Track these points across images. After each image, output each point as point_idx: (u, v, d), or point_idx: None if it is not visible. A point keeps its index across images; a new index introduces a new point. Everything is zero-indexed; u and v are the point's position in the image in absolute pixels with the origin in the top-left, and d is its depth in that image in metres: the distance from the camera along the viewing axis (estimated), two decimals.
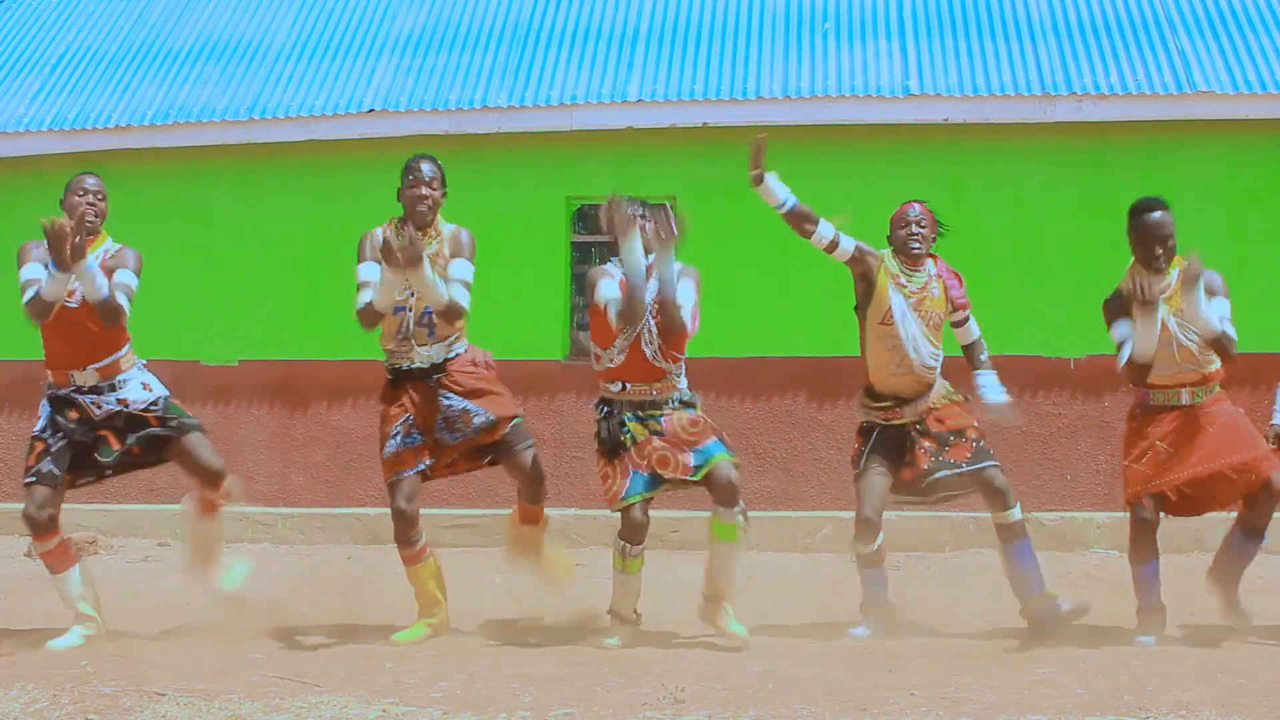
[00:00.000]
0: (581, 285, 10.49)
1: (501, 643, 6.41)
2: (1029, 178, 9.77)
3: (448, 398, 6.43)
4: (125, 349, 6.40)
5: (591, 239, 10.49)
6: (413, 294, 6.33)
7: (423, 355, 6.45)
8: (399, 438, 6.43)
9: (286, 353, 10.25)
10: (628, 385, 6.40)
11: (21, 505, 6.49)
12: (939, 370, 6.60)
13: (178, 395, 9.92)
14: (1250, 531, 6.64)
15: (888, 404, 6.60)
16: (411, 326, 6.41)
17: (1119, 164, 9.70)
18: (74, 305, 6.19)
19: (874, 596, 6.71)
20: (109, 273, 6.24)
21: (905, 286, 6.56)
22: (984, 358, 6.72)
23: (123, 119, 10.29)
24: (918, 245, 6.58)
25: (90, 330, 6.26)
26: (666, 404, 6.38)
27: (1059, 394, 9.62)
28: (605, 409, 6.47)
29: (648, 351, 6.33)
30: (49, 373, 6.38)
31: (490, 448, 6.59)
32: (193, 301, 10.13)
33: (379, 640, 6.46)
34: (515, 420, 6.62)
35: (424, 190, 6.38)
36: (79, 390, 6.29)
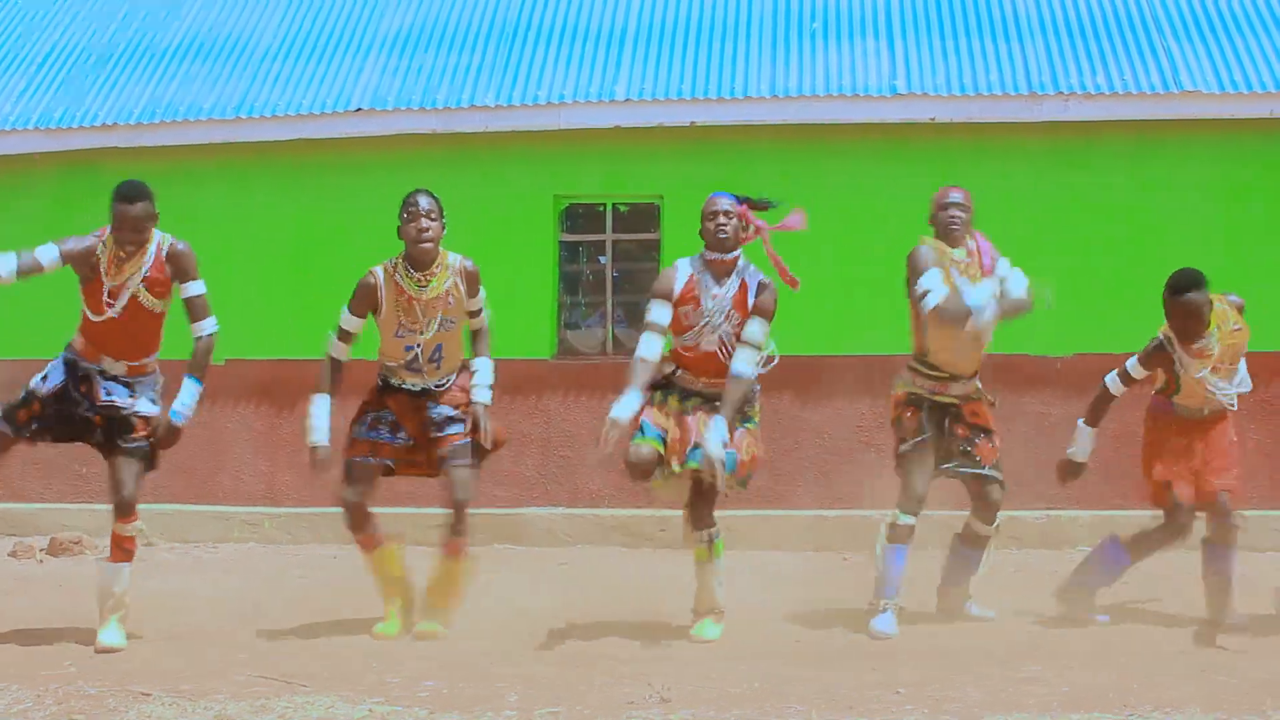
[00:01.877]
0: (570, 284, 10.49)
1: (487, 641, 6.39)
2: (1016, 177, 9.78)
3: (435, 407, 6.48)
4: (155, 355, 6.45)
5: (579, 238, 10.49)
6: (421, 342, 6.40)
7: (423, 382, 6.52)
8: (365, 426, 6.51)
9: (274, 352, 10.23)
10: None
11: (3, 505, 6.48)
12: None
13: (164, 395, 9.99)
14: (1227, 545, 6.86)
15: (944, 376, 6.68)
16: (422, 363, 6.48)
17: (1105, 163, 9.71)
18: (114, 315, 6.21)
19: (892, 576, 6.70)
20: (168, 283, 6.31)
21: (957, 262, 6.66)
22: None
23: (109, 117, 10.26)
24: (957, 227, 6.71)
25: (129, 333, 6.29)
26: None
27: (1045, 393, 9.62)
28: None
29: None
30: (80, 340, 6.33)
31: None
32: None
33: (365, 640, 6.45)
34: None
35: (424, 223, 6.32)
36: (103, 374, 6.27)
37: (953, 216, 6.70)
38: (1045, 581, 8.06)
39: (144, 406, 6.31)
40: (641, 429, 6.34)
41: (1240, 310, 6.89)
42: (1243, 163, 9.65)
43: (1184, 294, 6.55)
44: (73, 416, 6.27)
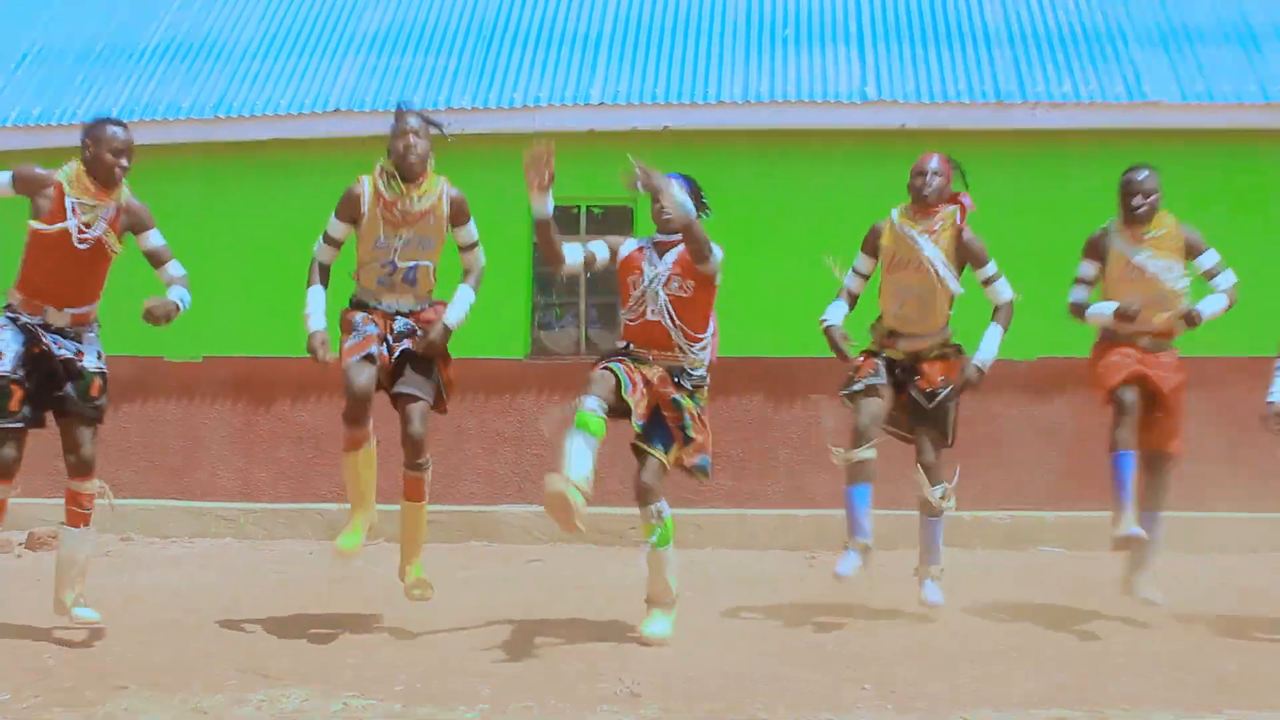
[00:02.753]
0: (544, 286, 10.51)
1: (461, 636, 6.41)
2: (983, 183, 9.74)
3: (400, 320, 6.48)
4: (96, 303, 6.31)
5: None
6: (398, 248, 6.41)
7: (397, 302, 6.51)
8: (354, 331, 6.43)
9: (250, 349, 10.20)
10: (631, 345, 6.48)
11: None
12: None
13: (141, 391, 9.99)
14: (1154, 508, 7.05)
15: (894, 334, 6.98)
16: (397, 278, 6.48)
17: (1071, 171, 9.78)
18: (83, 247, 6.07)
19: (856, 518, 6.85)
20: (126, 230, 6.26)
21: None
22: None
23: (89, 115, 10.17)
24: (928, 192, 6.94)
25: (83, 274, 6.16)
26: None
27: (1008, 395, 9.68)
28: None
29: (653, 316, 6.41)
30: (17, 295, 6.14)
31: (401, 375, 6.45)
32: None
33: (341, 634, 6.46)
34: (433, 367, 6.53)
35: (412, 139, 6.44)
36: (45, 327, 6.09)
37: (923, 183, 6.97)
38: (1010, 582, 8.14)
39: (91, 362, 6.19)
40: (611, 369, 6.34)
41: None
42: (1203, 171, 9.73)
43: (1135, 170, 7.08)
44: (53, 374, 6.06)
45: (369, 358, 6.31)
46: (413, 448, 6.44)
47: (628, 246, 6.65)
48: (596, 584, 8.01)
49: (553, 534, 9.78)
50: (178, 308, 6.24)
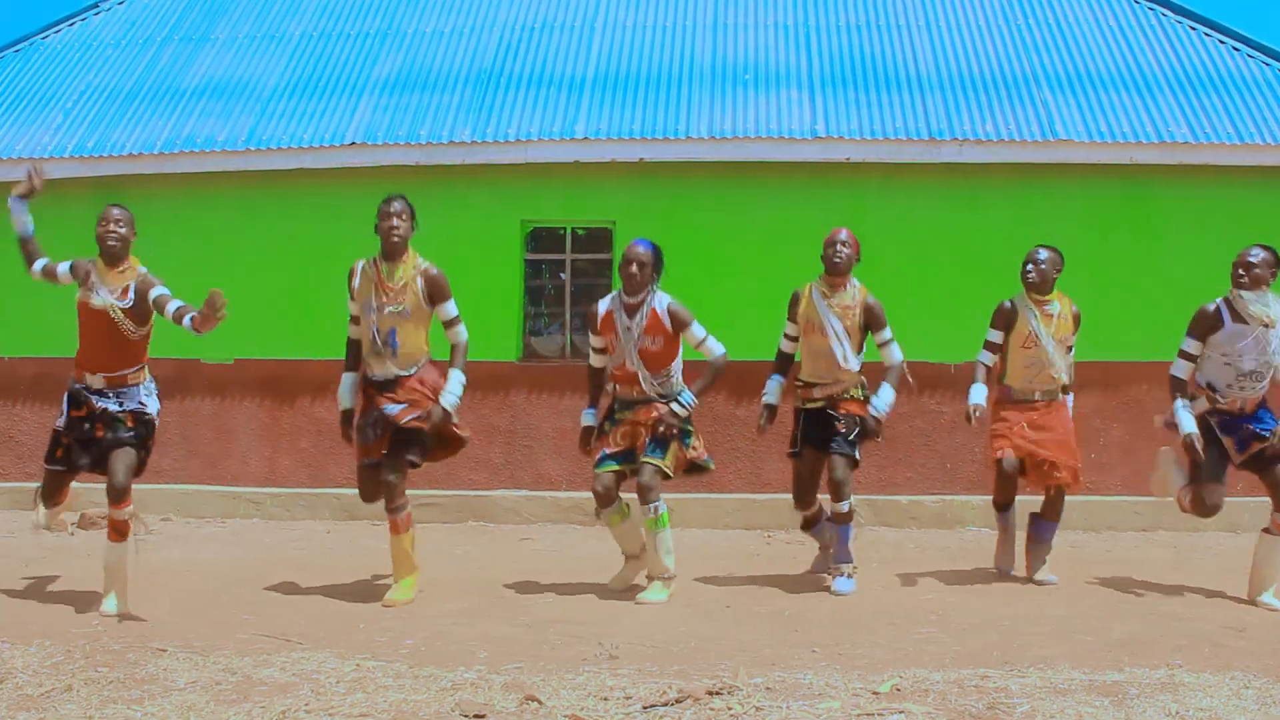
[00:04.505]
0: (534, 297, 10.49)
1: (460, 606, 6.39)
2: (918, 210, 9.85)
3: (387, 407, 6.44)
4: (137, 367, 6.28)
5: (541, 257, 10.48)
6: (376, 315, 6.43)
7: (384, 370, 6.48)
8: (360, 433, 6.55)
9: (277, 353, 10.14)
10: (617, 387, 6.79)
11: (37, 484, 6.44)
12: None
13: (180, 390, 9.93)
14: (1051, 519, 7.27)
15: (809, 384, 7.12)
16: (380, 345, 6.47)
17: (993, 200, 9.79)
18: (115, 321, 6.13)
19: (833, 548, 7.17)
20: (144, 297, 6.15)
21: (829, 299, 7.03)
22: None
23: (135, 148, 10.13)
24: (839, 260, 7.00)
25: (108, 342, 6.17)
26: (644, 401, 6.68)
27: (941, 394, 9.70)
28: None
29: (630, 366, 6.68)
30: (76, 370, 6.29)
31: (393, 448, 6.51)
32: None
33: (355, 604, 6.42)
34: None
35: (395, 223, 6.44)
36: (88, 389, 6.20)
37: (834, 252, 7.00)
38: (939, 557, 8.16)
39: (131, 404, 6.22)
40: (600, 461, 6.67)
41: (1075, 319, 7.24)
42: (1107, 201, 9.77)
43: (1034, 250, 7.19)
44: (88, 440, 6.20)
45: (371, 467, 6.52)
46: (387, 493, 6.49)
47: (602, 308, 6.83)
48: (579, 560, 7.99)
49: (541, 516, 9.77)
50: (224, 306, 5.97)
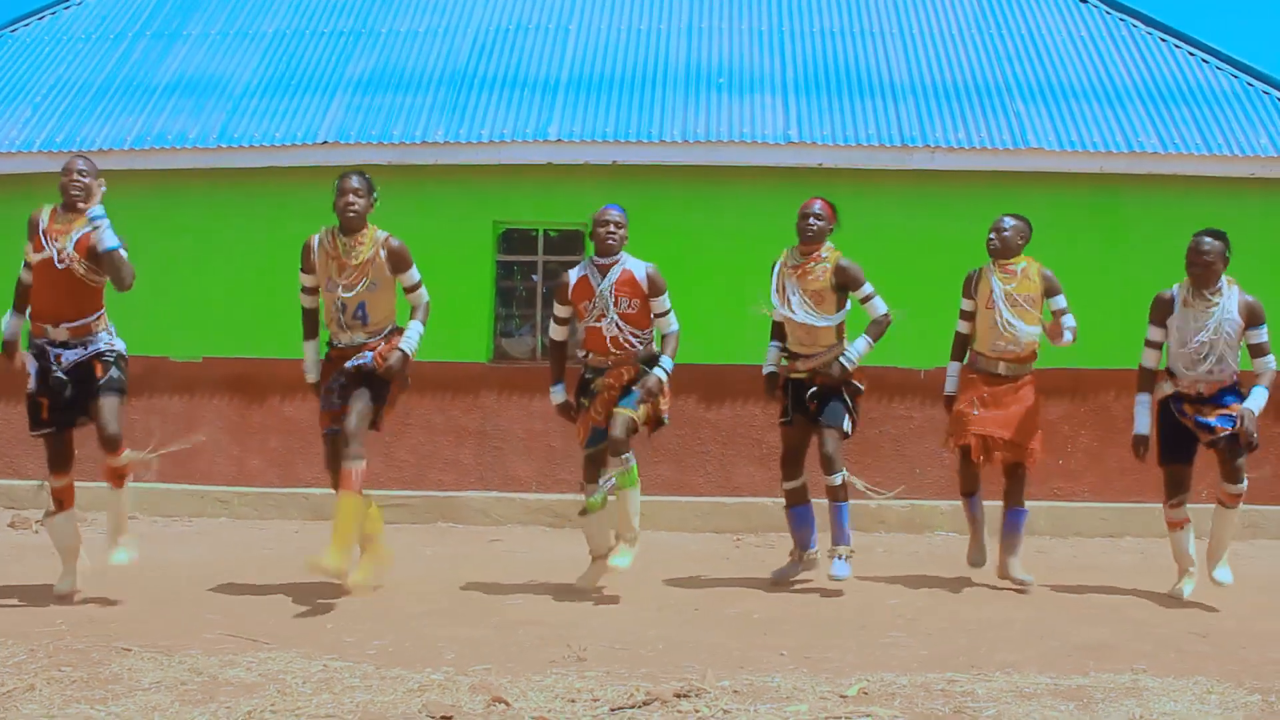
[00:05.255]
0: (505, 298, 10.46)
1: (428, 607, 6.36)
2: (889, 216, 9.89)
3: (351, 361, 6.52)
4: (98, 314, 6.25)
5: (514, 258, 10.46)
6: (347, 292, 6.47)
7: (351, 338, 6.54)
8: (324, 399, 6.64)
9: (245, 351, 10.08)
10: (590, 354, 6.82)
11: (8, 481, 6.37)
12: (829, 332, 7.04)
13: (148, 387, 9.85)
14: (1014, 504, 7.23)
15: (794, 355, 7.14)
16: (347, 318, 6.55)
17: (963, 206, 9.83)
18: (60, 267, 6.05)
19: (795, 534, 7.27)
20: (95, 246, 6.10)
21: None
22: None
23: (105, 143, 10.05)
24: (811, 233, 7.05)
25: (67, 291, 6.12)
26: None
27: (910, 400, 9.74)
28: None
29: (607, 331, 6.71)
30: (31, 323, 6.24)
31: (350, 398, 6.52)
32: (163, 305, 9.92)
33: (323, 604, 6.38)
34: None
35: (351, 198, 6.50)
36: (50, 342, 6.16)
37: (807, 225, 7.07)
38: (908, 562, 8.18)
39: (96, 347, 6.18)
40: (591, 438, 6.72)
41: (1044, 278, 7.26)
42: (1076, 209, 9.84)
43: (1000, 219, 7.29)
44: (64, 392, 6.13)
45: (332, 434, 6.54)
46: (343, 435, 6.45)
47: (573, 276, 6.86)
48: (548, 561, 7.97)
49: (510, 517, 9.75)
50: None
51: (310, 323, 6.78)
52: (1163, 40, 10.96)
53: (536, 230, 10.35)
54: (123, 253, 6.11)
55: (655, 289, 6.72)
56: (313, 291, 6.69)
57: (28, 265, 6.18)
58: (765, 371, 7.29)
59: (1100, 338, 9.59)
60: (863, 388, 7.14)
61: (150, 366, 9.86)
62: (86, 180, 6.19)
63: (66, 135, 10.20)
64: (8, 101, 10.74)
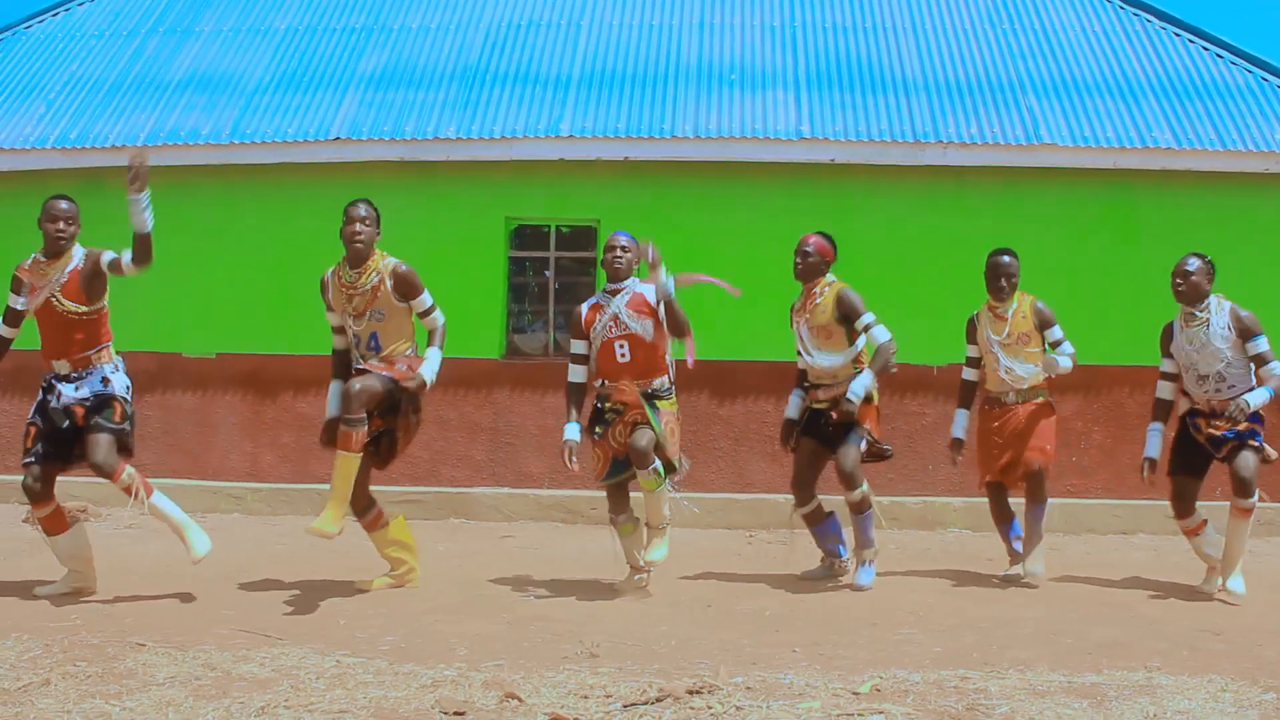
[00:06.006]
0: (518, 294, 10.47)
1: (441, 603, 6.37)
2: (901, 212, 9.87)
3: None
4: (98, 347, 6.32)
5: (525, 254, 10.46)
6: (358, 324, 6.49)
7: (370, 366, 6.53)
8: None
9: (258, 347, 10.10)
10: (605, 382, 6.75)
11: (20, 478, 6.41)
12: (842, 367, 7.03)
13: (161, 384, 9.88)
14: (1036, 500, 7.23)
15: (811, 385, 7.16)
16: (362, 349, 6.55)
17: (976, 202, 9.82)
18: (59, 309, 6.21)
19: (821, 545, 7.35)
20: (87, 281, 6.22)
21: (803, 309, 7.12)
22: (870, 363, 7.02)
23: (118, 139, 10.08)
24: (798, 269, 7.10)
25: (60, 326, 6.24)
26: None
27: (923, 396, 9.73)
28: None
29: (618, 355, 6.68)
30: (43, 361, 6.37)
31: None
32: (176, 301, 9.96)
33: (336, 599, 6.39)
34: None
35: (358, 227, 6.44)
36: (56, 377, 6.27)
37: (795, 262, 7.10)
38: (921, 558, 8.17)
39: (81, 395, 6.21)
40: (609, 471, 6.71)
41: (1036, 312, 7.26)
42: (1089, 205, 9.81)
43: (997, 255, 7.28)
44: (57, 429, 6.23)
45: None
46: (346, 401, 6.39)
47: (584, 309, 6.85)
48: (560, 557, 7.98)
49: (522, 513, 9.76)
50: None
51: (339, 363, 6.66)
52: (1176, 35, 10.92)
53: (549, 226, 10.35)
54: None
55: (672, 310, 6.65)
56: (340, 331, 6.62)
57: (11, 319, 6.34)
58: (786, 418, 7.29)
59: (1113, 334, 9.57)
60: (890, 451, 7.17)
61: (164, 363, 9.89)
62: (72, 228, 6.27)
63: (80, 132, 10.24)
64: (22, 98, 10.78)
